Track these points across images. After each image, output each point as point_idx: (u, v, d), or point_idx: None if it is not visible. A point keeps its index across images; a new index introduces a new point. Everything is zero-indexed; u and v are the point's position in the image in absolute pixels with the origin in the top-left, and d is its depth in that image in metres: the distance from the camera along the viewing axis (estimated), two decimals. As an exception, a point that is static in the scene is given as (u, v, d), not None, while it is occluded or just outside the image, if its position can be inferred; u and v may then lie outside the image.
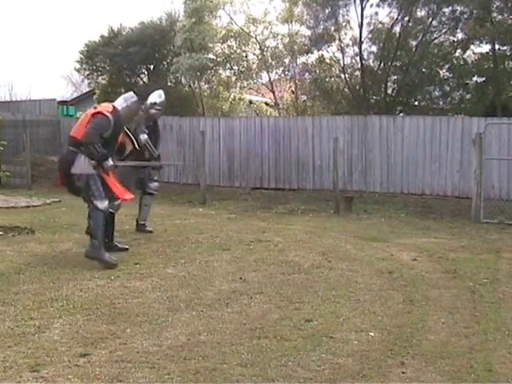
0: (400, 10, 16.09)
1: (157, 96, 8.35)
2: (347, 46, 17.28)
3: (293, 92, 18.87)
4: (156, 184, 8.74)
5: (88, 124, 6.29)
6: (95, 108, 6.54)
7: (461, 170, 12.11)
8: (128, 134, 7.18)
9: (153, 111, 8.29)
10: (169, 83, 19.09)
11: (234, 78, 18.58)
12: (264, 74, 18.68)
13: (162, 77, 19.21)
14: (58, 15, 63.06)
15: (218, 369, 3.67)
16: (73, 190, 6.60)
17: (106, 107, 6.47)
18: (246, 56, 18.15)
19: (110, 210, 6.57)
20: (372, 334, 4.35)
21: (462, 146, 12.12)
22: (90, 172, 6.31)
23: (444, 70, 16.62)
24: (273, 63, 18.14)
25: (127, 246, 7.08)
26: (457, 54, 16.39)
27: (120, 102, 6.64)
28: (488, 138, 10.92)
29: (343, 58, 17.30)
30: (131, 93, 6.89)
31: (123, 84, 19.63)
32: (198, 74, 17.19)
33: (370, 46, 17.14)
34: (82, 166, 6.30)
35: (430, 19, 15.96)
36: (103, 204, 6.31)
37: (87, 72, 20.20)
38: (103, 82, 20.07)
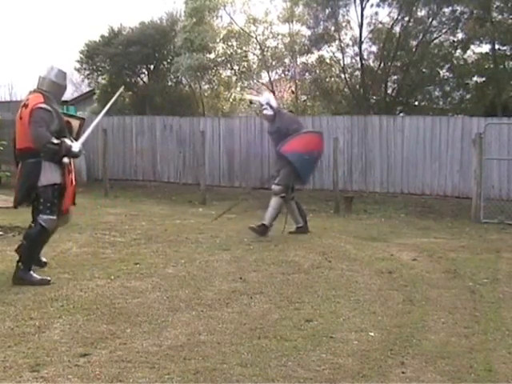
0: (400, 10, 16.09)
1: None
2: (347, 45, 17.28)
3: (293, 92, 18.87)
4: (277, 187, 8.35)
5: (29, 125, 5.56)
6: (26, 106, 5.66)
7: (461, 169, 12.11)
8: (64, 113, 6.33)
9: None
10: (169, 83, 19.09)
11: (234, 78, 18.57)
12: (264, 74, 18.69)
13: (162, 77, 19.22)
14: (58, 15, 63.08)
15: (218, 369, 3.67)
16: (27, 202, 5.88)
17: (34, 99, 5.66)
18: (247, 56, 18.15)
19: (45, 225, 5.70)
20: (372, 334, 4.35)
21: (462, 146, 12.12)
22: (57, 181, 5.69)
23: (444, 70, 16.62)
24: (273, 63, 18.14)
25: (45, 260, 6.24)
26: (457, 54, 16.39)
27: (42, 82, 5.79)
28: (488, 138, 10.93)
29: (343, 57, 17.30)
30: (49, 65, 5.94)
31: (123, 84, 19.62)
32: (198, 74, 17.19)
33: (370, 46, 17.15)
34: (50, 175, 5.64)
35: (430, 19, 15.96)
36: (49, 218, 5.63)
37: (87, 72, 20.19)
38: (103, 81, 20.05)
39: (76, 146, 5.75)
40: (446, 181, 12.42)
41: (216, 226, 9.04)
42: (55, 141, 5.54)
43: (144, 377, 3.55)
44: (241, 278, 5.86)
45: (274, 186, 8.39)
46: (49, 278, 5.66)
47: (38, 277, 5.62)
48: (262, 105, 8.74)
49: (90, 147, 15.98)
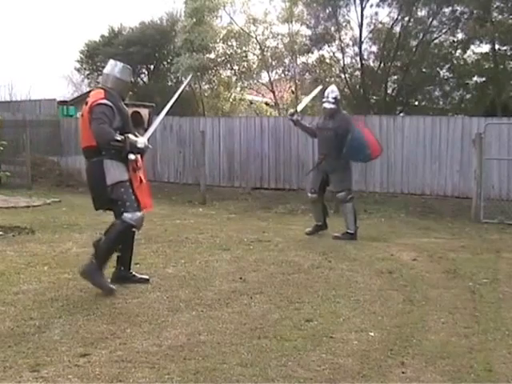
0: (400, 10, 16.11)
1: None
2: (347, 45, 17.31)
3: (293, 92, 18.88)
4: (341, 194, 8.32)
5: (90, 122, 5.24)
6: (86, 103, 5.40)
7: (461, 170, 12.10)
8: (133, 103, 6.13)
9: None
10: (169, 83, 19.11)
11: (234, 78, 18.59)
12: (264, 74, 18.72)
13: (162, 77, 19.24)
14: (58, 15, 63.04)
15: (218, 369, 3.67)
16: (107, 205, 5.54)
17: (94, 95, 5.41)
18: (247, 56, 18.16)
19: (131, 222, 5.41)
20: (372, 333, 4.35)
21: (462, 146, 12.11)
22: (125, 178, 5.35)
23: (444, 70, 16.63)
24: (273, 63, 18.15)
25: (147, 277, 5.76)
26: (457, 54, 16.41)
27: (106, 79, 5.56)
28: (488, 138, 10.92)
29: (343, 57, 17.33)
30: (112, 61, 5.71)
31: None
32: (198, 74, 17.20)
33: (370, 46, 17.18)
34: (114, 173, 5.31)
35: (430, 19, 15.97)
36: (134, 216, 5.33)
37: (87, 72, 20.25)
38: (103, 81, 20.06)
39: (141, 142, 5.40)
40: (445, 181, 12.42)
41: (216, 226, 9.04)
42: (119, 137, 5.22)
43: (144, 377, 3.55)
44: (241, 278, 5.86)
45: (338, 195, 8.34)
46: (114, 288, 5.28)
47: (107, 284, 5.30)
48: (326, 96, 8.17)
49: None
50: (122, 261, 5.68)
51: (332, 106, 8.05)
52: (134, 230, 5.51)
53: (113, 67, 5.59)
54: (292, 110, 8.78)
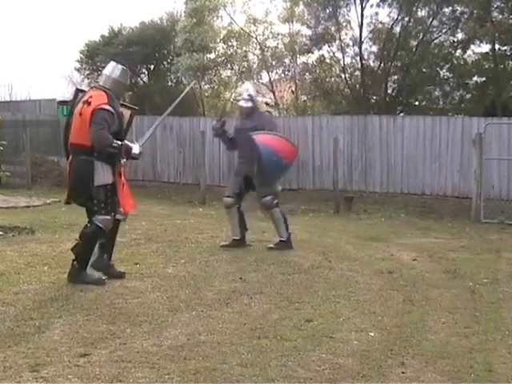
0: (400, 10, 16.09)
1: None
2: (347, 45, 17.29)
3: (293, 92, 18.87)
4: (267, 199, 7.33)
5: (90, 126, 5.39)
6: (88, 104, 5.47)
7: (461, 169, 12.10)
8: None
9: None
10: (169, 83, 19.09)
11: (234, 78, 18.58)
12: (264, 74, 18.70)
13: (162, 77, 19.22)
14: (58, 15, 63.00)
15: (218, 369, 3.67)
16: (83, 202, 5.79)
17: (98, 98, 5.50)
18: (247, 56, 18.15)
19: (117, 217, 5.73)
20: (372, 334, 4.35)
21: (462, 146, 12.12)
22: (109, 181, 5.56)
23: (444, 70, 16.61)
24: (273, 63, 18.14)
25: (123, 270, 5.98)
26: (457, 54, 16.39)
27: (106, 80, 5.68)
28: (488, 138, 10.92)
29: (343, 57, 17.31)
30: (113, 63, 5.89)
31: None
32: (199, 74, 17.19)
33: (370, 46, 17.16)
34: (102, 175, 5.52)
35: (431, 19, 15.96)
36: (104, 218, 5.54)
37: (87, 72, 20.21)
38: (103, 81, 20.05)
39: (136, 148, 5.68)
40: (446, 181, 12.42)
41: (216, 226, 9.03)
42: (115, 144, 5.44)
43: (144, 377, 3.55)
44: (241, 278, 5.86)
45: (263, 200, 7.33)
46: (104, 278, 5.60)
47: (95, 276, 5.60)
48: (241, 94, 7.66)
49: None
50: (104, 248, 5.83)
51: (248, 104, 7.41)
52: (101, 232, 5.62)
53: (113, 69, 5.75)
54: (215, 123, 7.91)
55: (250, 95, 7.45)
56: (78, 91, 6.09)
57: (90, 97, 5.56)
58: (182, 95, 7.13)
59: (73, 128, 5.63)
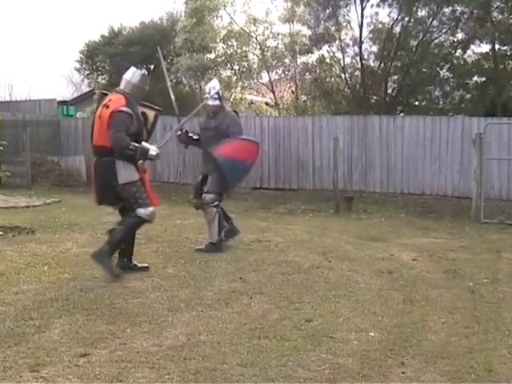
0: (400, 10, 16.10)
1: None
2: (348, 45, 17.30)
3: (293, 92, 18.87)
4: (209, 196, 7.17)
5: (109, 128, 5.64)
6: (107, 107, 5.73)
7: (461, 169, 12.11)
8: (142, 103, 6.25)
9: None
10: (169, 83, 19.09)
11: (234, 78, 18.58)
12: (264, 74, 18.70)
13: (162, 77, 19.19)
14: (58, 15, 63.05)
15: (218, 369, 3.67)
16: (112, 202, 6.01)
17: (117, 101, 5.75)
18: (247, 56, 18.15)
19: (145, 217, 5.84)
20: (372, 334, 4.35)
21: (462, 146, 12.12)
22: (135, 178, 5.78)
23: (444, 70, 16.61)
24: (273, 63, 18.14)
25: (147, 265, 6.21)
26: (457, 54, 16.39)
27: (126, 84, 5.94)
28: (488, 138, 10.92)
29: (343, 57, 17.31)
30: (133, 69, 6.18)
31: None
32: (199, 74, 17.19)
33: (370, 46, 17.16)
34: (126, 173, 5.73)
35: (431, 19, 15.96)
36: (147, 211, 5.77)
37: (87, 72, 20.22)
38: (103, 81, 20.07)
39: (153, 150, 5.84)
40: (446, 181, 12.43)
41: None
42: (132, 146, 5.63)
43: (144, 377, 3.55)
44: (241, 278, 5.86)
45: (204, 195, 7.16)
46: (117, 273, 5.78)
47: (113, 269, 5.77)
48: (208, 92, 7.40)
49: (90, 147, 16.02)
50: (125, 253, 6.08)
51: (216, 102, 7.24)
52: (146, 223, 5.92)
53: (133, 74, 6.05)
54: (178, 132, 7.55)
55: (218, 93, 7.29)
56: (103, 94, 6.28)
57: (109, 100, 5.82)
58: (198, 108, 7.38)
59: (94, 130, 5.89)
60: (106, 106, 5.75)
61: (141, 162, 5.79)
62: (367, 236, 8.46)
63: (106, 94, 6.18)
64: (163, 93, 18.60)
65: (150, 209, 5.81)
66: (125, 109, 5.68)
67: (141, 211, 5.74)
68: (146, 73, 6.18)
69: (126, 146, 5.62)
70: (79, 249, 7.11)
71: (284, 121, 14.50)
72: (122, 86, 5.97)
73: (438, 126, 12.50)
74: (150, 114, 6.22)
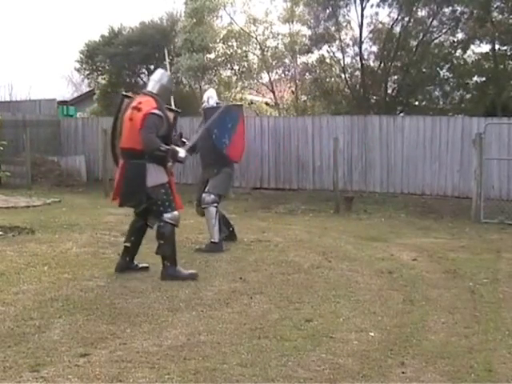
0: (400, 10, 16.09)
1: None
2: (348, 45, 17.29)
3: (293, 92, 18.87)
4: (209, 197, 7.33)
5: (141, 129, 5.63)
6: (138, 109, 5.72)
7: (461, 169, 12.12)
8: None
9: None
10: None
11: (234, 78, 18.57)
12: (264, 74, 18.69)
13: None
14: (58, 15, 63.06)
15: (218, 369, 3.67)
16: (135, 204, 6.02)
17: (148, 103, 5.77)
18: (247, 56, 18.14)
19: (172, 222, 5.90)
20: (372, 334, 4.35)
21: (462, 146, 12.13)
22: (165, 181, 5.84)
23: (444, 70, 16.61)
24: (273, 63, 18.14)
25: (147, 265, 6.24)
26: (457, 54, 16.39)
27: (154, 85, 5.99)
28: (488, 138, 10.93)
29: (343, 57, 17.31)
30: (161, 70, 6.35)
31: (123, 84, 19.62)
32: (199, 74, 17.19)
33: (370, 46, 17.17)
34: (156, 176, 5.77)
35: (431, 19, 15.96)
36: (173, 215, 5.84)
37: (87, 72, 20.21)
38: (103, 81, 20.07)
39: (182, 152, 5.88)
40: (446, 181, 12.43)
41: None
42: (163, 148, 5.68)
43: (144, 377, 3.55)
44: (241, 278, 5.86)
45: (204, 196, 7.31)
46: (195, 272, 5.87)
47: (186, 272, 5.84)
48: (207, 101, 7.56)
49: (89, 147, 16.06)
50: (129, 252, 6.09)
51: (212, 102, 7.43)
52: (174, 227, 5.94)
53: (161, 75, 6.15)
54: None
55: (217, 103, 7.53)
56: (124, 97, 6.29)
57: (140, 103, 5.81)
58: (229, 104, 7.43)
59: (123, 133, 5.87)
60: (138, 109, 5.74)
61: (170, 164, 5.86)
62: (367, 236, 8.46)
63: (128, 97, 6.21)
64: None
65: (175, 213, 5.87)
66: (157, 111, 5.72)
67: (167, 216, 5.78)
68: (171, 74, 6.19)
69: (157, 148, 5.63)
70: (79, 249, 7.11)
71: (284, 121, 14.51)
72: (149, 88, 6.00)
73: (438, 126, 12.51)
74: (170, 115, 6.19)
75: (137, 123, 5.66)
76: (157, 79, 6.06)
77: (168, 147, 5.75)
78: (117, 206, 6.23)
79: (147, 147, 5.65)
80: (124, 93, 6.79)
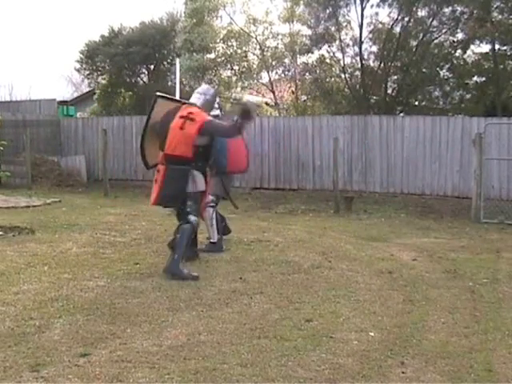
0: (400, 10, 16.10)
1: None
2: (348, 45, 17.30)
3: (293, 92, 18.87)
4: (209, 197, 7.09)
5: (192, 139, 5.90)
6: (191, 119, 5.95)
7: (461, 169, 12.12)
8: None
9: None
10: (169, 83, 19.10)
11: (234, 78, 18.57)
12: (264, 74, 18.70)
13: (162, 77, 19.22)
14: (58, 15, 63.04)
15: (218, 369, 3.67)
16: (171, 205, 6.52)
17: (200, 114, 6.06)
18: (247, 56, 18.15)
19: (194, 224, 6.22)
20: (372, 334, 4.35)
21: (462, 146, 12.13)
22: (203, 189, 6.19)
23: (444, 70, 16.62)
24: (273, 63, 18.14)
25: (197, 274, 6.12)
26: (457, 54, 16.40)
27: (199, 98, 6.26)
28: (488, 138, 10.93)
29: (343, 57, 17.32)
30: (205, 85, 6.65)
31: (123, 84, 19.64)
32: (199, 74, 17.20)
33: (370, 46, 17.18)
34: (198, 183, 6.09)
35: (431, 19, 15.97)
36: (196, 219, 6.18)
37: (87, 72, 20.22)
38: (103, 81, 20.08)
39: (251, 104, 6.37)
40: (445, 181, 12.43)
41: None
42: (236, 120, 5.91)
43: (144, 377, 3.55)
44: (241, 278, 5.86)
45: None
46: (197, 274, 5.92)
47: (188, 272, 5.91)
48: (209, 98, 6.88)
49: (90, 147, 16.06)
50: (193, 243, 6.45)
51: (216, 112, 7.07)
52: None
53: (207, 90, 6.47)
54: None
55: (219, 103, 7.35)
56: (158, 97, 6.51)
57: (191, 113, 6.07)
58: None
59: (170, 140, 6.05)
60: (191, 119, 5.99)
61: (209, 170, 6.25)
62: (367, 236, 8.46)
63: (163, 97, 6.51)
64: (163, 93, 18.60)
65: (197, 218, 6.20)
66: (210, 118, 6.14)
67: (194, 219, 6.09)
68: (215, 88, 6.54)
69: (234, 130, 5.97)
70: (79, 249, 7.11)
71: (284, 121, 14.51)
72: (193, 100, 6.28)
73: (438, 126, 12.51)
74: None
75: (191, 133, 5.92)
76: (201, 92, 6.35)
77: (238, 122, 5.92)
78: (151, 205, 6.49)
79: (232, 133, 6.11)
80: (158, 93, 6.85)
